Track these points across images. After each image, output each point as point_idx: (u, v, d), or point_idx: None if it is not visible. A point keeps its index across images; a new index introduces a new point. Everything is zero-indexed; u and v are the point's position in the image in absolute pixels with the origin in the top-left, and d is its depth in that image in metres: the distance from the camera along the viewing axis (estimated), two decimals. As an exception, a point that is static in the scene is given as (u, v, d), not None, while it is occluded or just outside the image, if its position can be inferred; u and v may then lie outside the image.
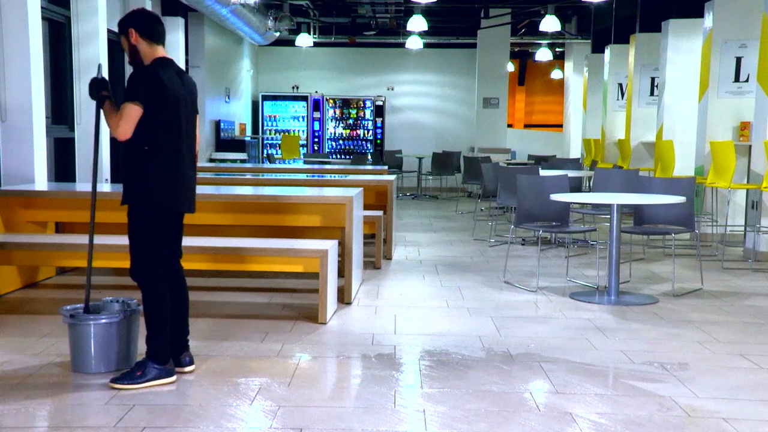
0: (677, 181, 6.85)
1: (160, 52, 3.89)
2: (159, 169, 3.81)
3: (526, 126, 23.25)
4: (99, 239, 5.51)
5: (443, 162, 14.88)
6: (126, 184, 3.89)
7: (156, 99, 3.75)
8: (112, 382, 3.79)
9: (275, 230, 6.39)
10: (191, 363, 4.04)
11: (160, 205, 3.85)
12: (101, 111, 3.90)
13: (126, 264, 5.82)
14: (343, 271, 5.66)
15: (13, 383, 3.81)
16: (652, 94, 12.20)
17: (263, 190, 6.56)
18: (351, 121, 17.60)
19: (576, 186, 8.74)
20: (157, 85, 3.76)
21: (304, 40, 15.27)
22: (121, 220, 6.24)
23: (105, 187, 7.16)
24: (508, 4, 15.02)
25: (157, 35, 3.89)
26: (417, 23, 12.98)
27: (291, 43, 16.14)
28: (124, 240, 5.40)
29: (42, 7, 6.91)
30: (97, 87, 3.90)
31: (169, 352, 3.89)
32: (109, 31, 8.66)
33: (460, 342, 4.68)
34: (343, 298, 5.65)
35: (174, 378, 3.87)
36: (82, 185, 7.06)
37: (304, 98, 17.46)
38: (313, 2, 14.90)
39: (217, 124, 14.31)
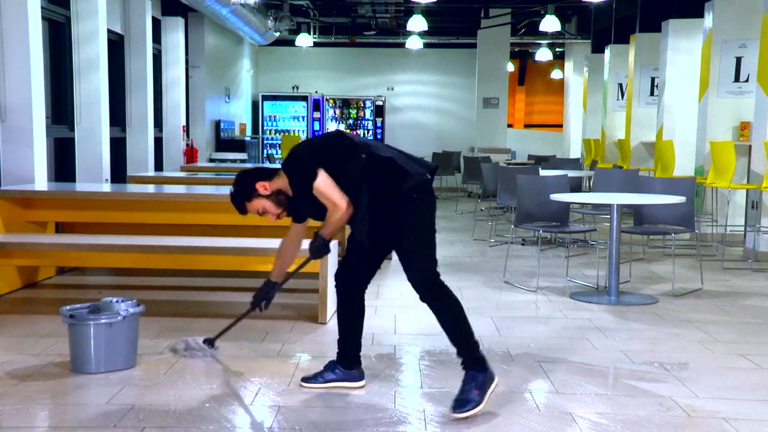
0: (677, 181, 6.84)
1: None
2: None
3: (526, 126, 23.26)
4: (99, 239, 5.53)
5: (443, 162, 14.87)
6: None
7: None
8: (456, 413, 3.39)
9: (276, 230, 6.38)
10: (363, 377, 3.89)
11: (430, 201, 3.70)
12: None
13: (121, 263, 5.87)
14: (343, 271, 5.64)
15: (13, 383, 3.80)
16: (652, 94, 12.20)
17: (263, 190, 6.54)
18: (351, 121, 17.60)
19: (576, 186, 8.74)
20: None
21: (304, 40, 15.27)
22: (121, 221, 6.29)
23: (105, 187, 7.17)
24: (508, 4, 15.01)
25: (269, 170, 3.65)
26: (417, 23, 12.98)
27: (291, 43, 16.14)
28: (124, 240, 5.44)
29: (42, 7, 6.91)
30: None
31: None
32: (109, 31, 8.66)
33: (460, 342, 4.66)
34: (343, 298, 5.63)
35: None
36: (82, 185, 7.07)
37: (304, 98, 17.46)
38: (313, 2, 14.90)
39: (217, 124, 14.31)
